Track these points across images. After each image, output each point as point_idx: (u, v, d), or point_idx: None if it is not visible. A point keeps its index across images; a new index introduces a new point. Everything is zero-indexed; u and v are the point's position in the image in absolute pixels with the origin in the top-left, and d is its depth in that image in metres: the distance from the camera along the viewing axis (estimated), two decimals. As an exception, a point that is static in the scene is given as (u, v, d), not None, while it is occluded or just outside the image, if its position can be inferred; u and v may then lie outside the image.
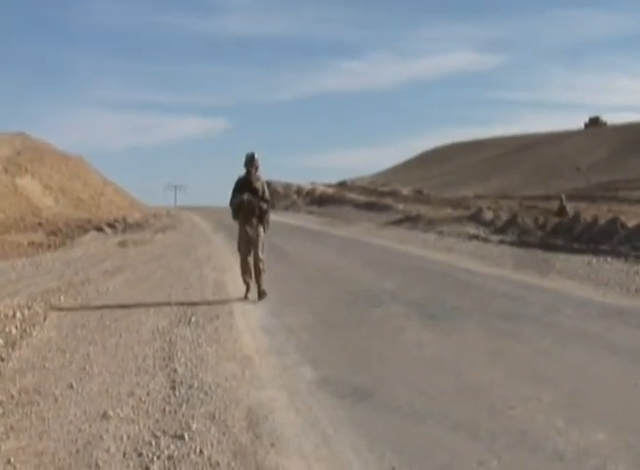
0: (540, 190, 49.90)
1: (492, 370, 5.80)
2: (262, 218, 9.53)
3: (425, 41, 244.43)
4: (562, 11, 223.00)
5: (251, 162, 9.44)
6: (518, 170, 74.69)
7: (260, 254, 9.47)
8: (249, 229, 9.47)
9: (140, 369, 5.93)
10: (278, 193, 54.98)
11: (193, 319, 8.07)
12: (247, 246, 9.51)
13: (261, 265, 9.44)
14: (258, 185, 9.52)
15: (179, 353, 6.42)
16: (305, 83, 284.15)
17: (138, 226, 30.10)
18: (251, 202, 9.39)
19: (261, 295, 9.36)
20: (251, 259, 9.50)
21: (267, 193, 9.65)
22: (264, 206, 9.52)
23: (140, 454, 4.03)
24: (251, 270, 9.52)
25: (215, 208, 56.51)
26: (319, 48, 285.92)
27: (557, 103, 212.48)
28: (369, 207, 40.05)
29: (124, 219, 31.51)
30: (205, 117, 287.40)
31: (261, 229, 9.54)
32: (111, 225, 28.97)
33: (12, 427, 4.54)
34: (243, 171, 9.57)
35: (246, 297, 9.44)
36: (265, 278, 9.56)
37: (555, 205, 27.50)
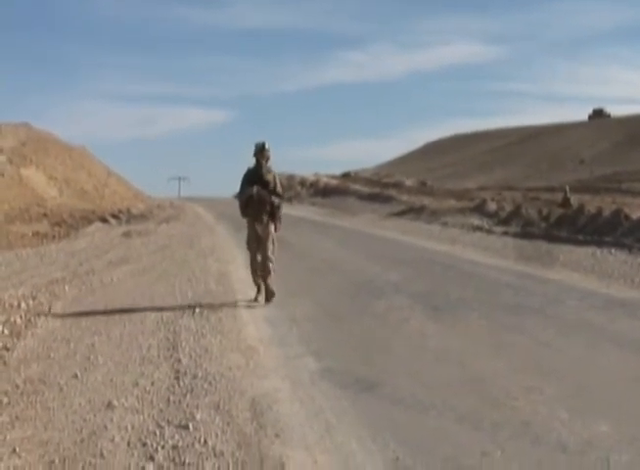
0: (544, 182, 49.75)
1: (496, 361, 5.81)
2: (274, 215, 8.66)
3: (427, 33, 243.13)
4: (565, 3, 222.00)
5: (261, 152, 8.61)
6: (521, 162, 74.48)
7: (270, 253, 8.64)
8: (258, 227, 8.63)
9: (144, 359, 5.95)
10: (281, 184, 54.91)
11: (197, 310, 8.09)
12: (255, 243, 8.72)
13: (270, 265, 8.64)
14: (269, 178, 8.69)
15: (183, 344, 6.44)
16: (308, 75, 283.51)
17: (142, 217, 30.11)
18: (260, 196, 8.55)
19: (269, 295, 8.60)
20: (260, 258, 8.71)
21: (279, 186, 8.79)
22: (276, 200, 8.65)
23: (144, 444, 4.05)
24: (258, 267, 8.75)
25: (219, 199, 56.58)
26: (322, 40, 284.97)
27: (560, 95, 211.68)
28: (373, 198, 39.95)
29: (128, 210, 31.50)
30: (209, 108, 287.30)
31: (272, 227, 8.68)
32: (115, 216, 28.97)
33: (17, 416, 4.56)
34: (251, 163, 8.78)
35: (255, 299, 8.67)
36: (274, 277, 8.77)
37: (559, 196, 27.45)
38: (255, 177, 8.66)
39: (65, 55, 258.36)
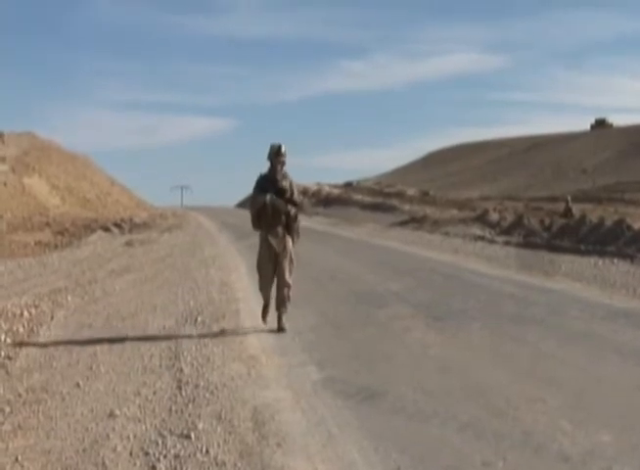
0: (546, 191, 49.79)
1: (498, 371, 5.80)
2: (290, 227, 7.61)
3: (429, 42, 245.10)
4: (566, 12, 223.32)
5: (276, 155, 7.54)
6: (523, 172, 74.51)
7: (287, 275, 7.58)
8: (272, 240, 7.54)
9: (146, 368, 5.95)
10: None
11: (199, 319, 8.10)
12: (270, 262, 7.60)
13: (287, 291, 7.58)
14: (285, 184, 7.61)
15: (185, 353, 6.45)
16: (310, 84, 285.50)
17: (144, 226, 30.18)
18: (275, 205, 7.50)
19: (280, 329, 7.49)
20: (274, 279, 7.66)
21: (297, 194, 7.76)
22: (293, 210, 7.60)
23: (147, 453, 4.05)
24: (271, 290, 7.71)
25: (221, 208, 56.67)
26: (324, 49, 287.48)
27: (562, 104, 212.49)
28: (375, 208, 40.07)
29: (131, 219, 31.61)
30: (211, 117, 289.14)
31: (289, 240, 7.62)
32: (117, 225, 29.06)
33: (19, 425, 4.57)
34: (264, 168, 7.74)
35: (264, 320, 7.71)
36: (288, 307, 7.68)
37: (561, 206, 27.52)
38: (269, 184, 7.61)
39: (67, 63, 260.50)
